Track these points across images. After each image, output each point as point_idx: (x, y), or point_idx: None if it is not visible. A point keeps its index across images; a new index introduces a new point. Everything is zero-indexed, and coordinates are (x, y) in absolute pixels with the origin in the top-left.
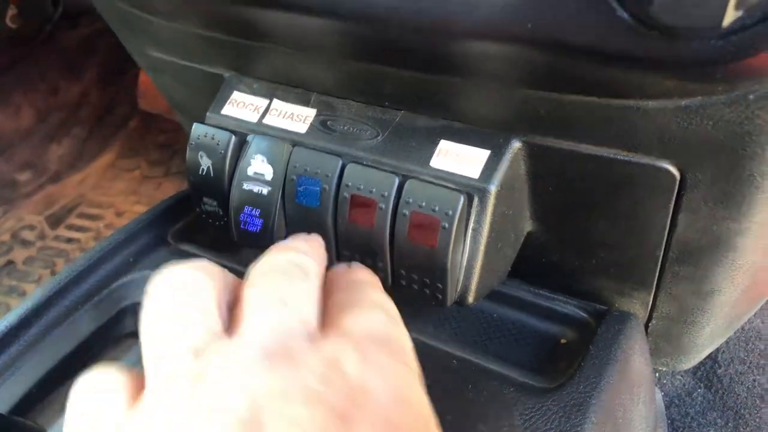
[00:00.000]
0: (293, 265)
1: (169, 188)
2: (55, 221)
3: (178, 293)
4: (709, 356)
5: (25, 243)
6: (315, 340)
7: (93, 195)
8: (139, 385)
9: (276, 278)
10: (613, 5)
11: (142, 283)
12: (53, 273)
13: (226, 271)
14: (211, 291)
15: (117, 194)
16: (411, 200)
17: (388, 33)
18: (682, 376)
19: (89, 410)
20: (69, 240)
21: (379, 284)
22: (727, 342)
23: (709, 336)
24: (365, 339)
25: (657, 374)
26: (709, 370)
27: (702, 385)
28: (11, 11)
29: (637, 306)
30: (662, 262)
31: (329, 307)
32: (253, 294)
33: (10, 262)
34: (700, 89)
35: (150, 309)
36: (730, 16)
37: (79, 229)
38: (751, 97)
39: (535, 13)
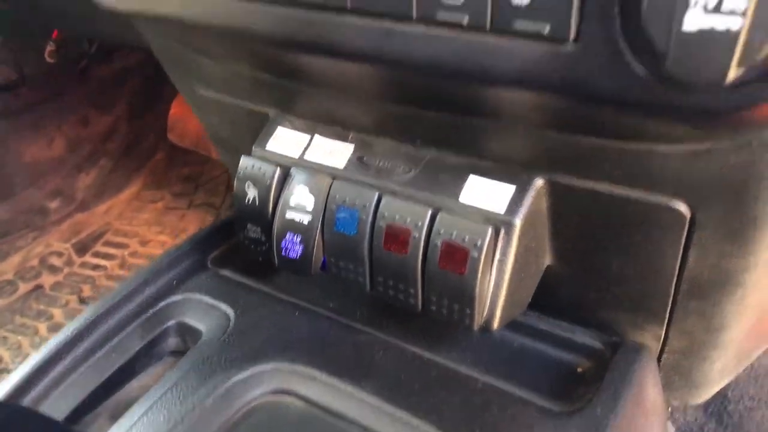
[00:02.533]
0: None
1: (193, 219)
2: (81, 248)
3: None
4: (720, 392)
5: (53, 269)
6: None
7: (119, 224)
8: None
9: None
10: (631, 61)
11: (185, 304)
12: (80, 298)
13: None
14: None
15: (142, 224)
16: (442, 231)
17: (427, 79)
18: (693, 411)
19: None
20: (95, 267)
21: None
22: (737, 379)
23: (719, 371)
24: None
25: (669, 409)
26: (720, 405)
27: (713, 420)
28: (49, 47)
29: (650, 339)
30: (674, 296)
31: None
32: None
33: (39, 287)
34: (708, 135)
35: None
36: (734, 72)
37: (105, 256)
38: (755, 143)
39: (560, 66)
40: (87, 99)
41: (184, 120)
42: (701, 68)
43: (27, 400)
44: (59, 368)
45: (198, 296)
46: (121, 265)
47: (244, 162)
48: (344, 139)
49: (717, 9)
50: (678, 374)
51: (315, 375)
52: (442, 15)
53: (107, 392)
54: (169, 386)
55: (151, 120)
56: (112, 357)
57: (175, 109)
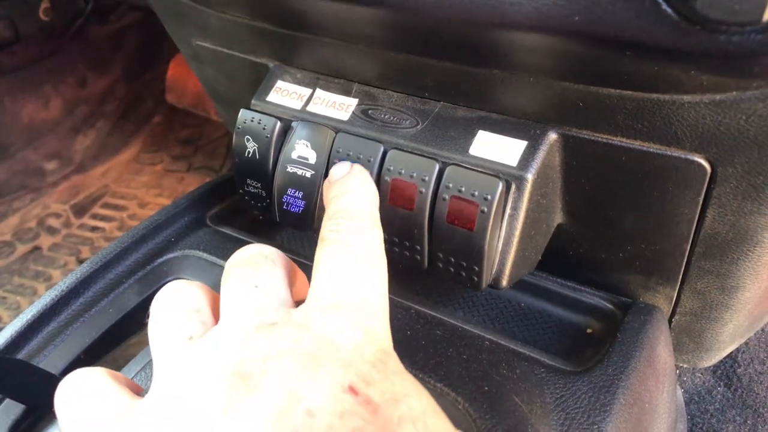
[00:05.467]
0: (260, 256)
1: (192, 182)
2: (79, 210)
3: (176, 301)
4: (729, 356)
5: (51, 230)
6: (288, 312)
7: (117, 187)
8: (135, 387)
9: (246, 268)
10: (658, 0)
11: (183, 260)
12: (78, 260)
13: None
14: (202, 295)
15: (140, 187)
16: (451, 185)
17: (436, 24)
18: (702, 374)
19: (88, 408)
20: (93, 229)
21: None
22: (747, 342)
23: (731, 333)
24: (332, 304)
25: (678, 371)
26: (729, 369)
27: (722, 383)
28: (44, 4)
29: (662, 300)
30: (688, 256)
31: (314, 273)
32: (230, 285)
33: (37, 248)
34: (735, 84)
35: (155, 315)
36: None
37: (103, 218)
38: None
39: (582, 6)
40: (84, 59)
41: (183, 80)
42: (735, 7)
43: (21, 355)
44: (54, 323)
45: (196, 253)
46: (120, 228)
47: (243, 115)
48: (348, 91)
49: None
50: (688, 336)
51: None
52: None
53: (103, 348)
54: None
55: (150, 82)
56: (109, 313)
57: (173, 70)
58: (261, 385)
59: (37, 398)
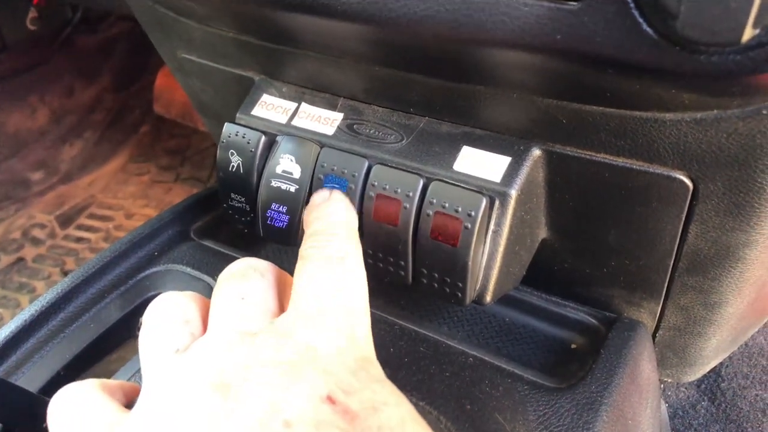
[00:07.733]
0: (250, 268)
1: (179, 193)
2: (65, 221)
3: (167, 312)
4: (713, 370)
5: (36, 241)
6: (271, 320)
7: (103, 197)
8: (128, 393)
9: (235, 280)
10: (638, 20)
11: (166, 275)
12: (63, 271)
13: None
14: (193, 307)
15: (127, 197)
16: (435, 201)
17: (420, 40)
18: (686, 388)
19: (77, 424)
20: (79, 239)
21: (346, 230)
22: (730, 357)
23: (714, 348)
24: (314, 311)
25: (662, 386)
26: (712, 383)
27: (706, 398)
28: (31, 14)
29: (646, 315)
30: (672, 271)
31: (294, 286)
32: (218, 297)
33: (21, 260)
34: (716, 103)
35: (146, 326)
36: (749, 33)
37: (89, 229)
38: (765, 111)
39: (564, 25)
40: (71, 69)
41: (171, 90)
42: (714, 28)
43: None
44: (34, 339)
45: (180, 267)
46: (106, 238)
47: (228, 129)
48: (333, 106)
49: None
50: (672, 351)
51: None
52: None
53: (84, 364)
54: None
55: (137, 91)
56: (90, 328)
57: (161, 80)
58: (241, 397)
59: (14, 417)
